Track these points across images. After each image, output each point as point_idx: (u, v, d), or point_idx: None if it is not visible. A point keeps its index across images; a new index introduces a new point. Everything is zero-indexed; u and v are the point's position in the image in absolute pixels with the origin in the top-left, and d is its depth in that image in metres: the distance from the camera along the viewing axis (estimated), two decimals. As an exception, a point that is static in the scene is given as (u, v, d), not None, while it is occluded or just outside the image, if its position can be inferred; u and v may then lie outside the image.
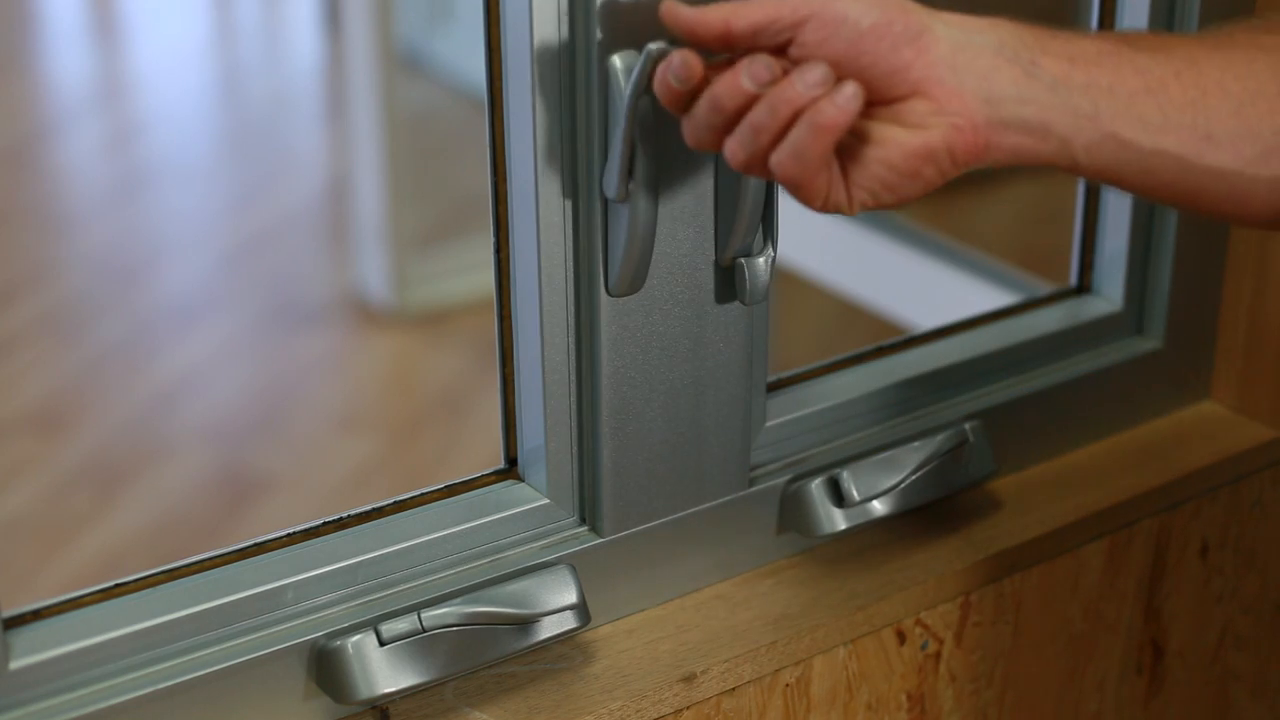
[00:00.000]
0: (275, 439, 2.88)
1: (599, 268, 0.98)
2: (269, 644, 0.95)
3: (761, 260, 1.01)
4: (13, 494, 2.66)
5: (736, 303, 1.03)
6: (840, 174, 0.84)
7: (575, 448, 1.03)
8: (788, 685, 1.07)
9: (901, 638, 1.11)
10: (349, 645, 0.95)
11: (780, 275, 1.87)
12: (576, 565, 1.01)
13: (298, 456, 2.82)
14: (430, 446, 2.96)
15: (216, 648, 0.94)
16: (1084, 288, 1.28)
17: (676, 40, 0.87)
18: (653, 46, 0.87)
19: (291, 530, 0.99)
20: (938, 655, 1.14)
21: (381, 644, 0.95)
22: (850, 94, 0.81)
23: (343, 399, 3.09)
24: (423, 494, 1.03)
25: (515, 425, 1.05)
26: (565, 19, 0.94)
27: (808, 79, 0.81)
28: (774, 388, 1.13)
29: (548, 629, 1.00)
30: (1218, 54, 0.87)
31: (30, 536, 2.60)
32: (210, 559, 0.97)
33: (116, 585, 0.94)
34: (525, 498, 1.04)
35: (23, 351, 3.09)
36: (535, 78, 0.95)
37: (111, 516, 2.66)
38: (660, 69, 0.85)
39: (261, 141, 4.23)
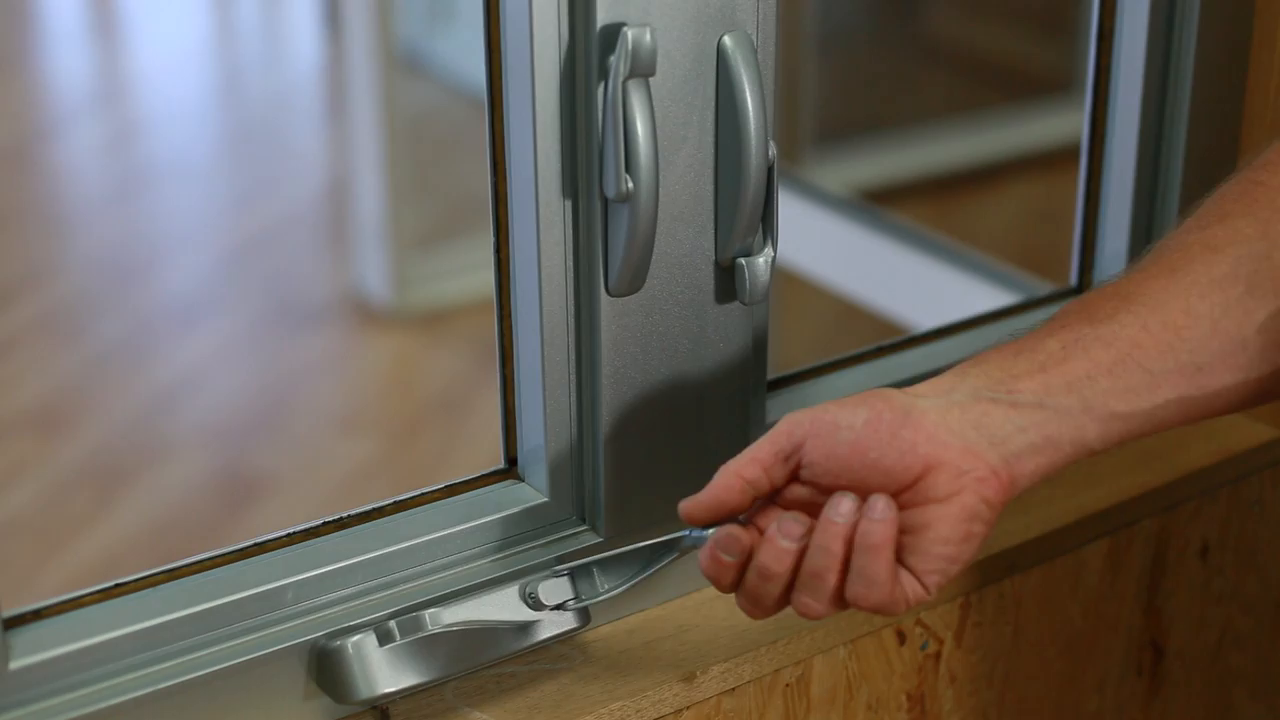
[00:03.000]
0: (275, 439, 2.88)
1: (599, 268, 0.98)
2: (269, 644, 0.94)
3: (761, 260, 1.01)
4: (13, 494, 2.66)
5: (736, 303, 1.03)
6: (907, 572, 0.87)
7: (575, 448, 1.03)
8: (788, 685, 1.07)
9: (901, 638, 1.11)
10: (349, 645, 0.95)
11: (780, 275, 1.87)
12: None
13: (298, 457, 2.82)
14: (430, 446, 2.96)
15: (216, 648, 0.94)
16: (1084, 287, 1.28)
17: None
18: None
19: (291, 530, 0.99)
20: (938, 655, 1.14)
21: (381, 644, 0.95)
22: (884, 505, 0.85)
23: (343, 399, 3.09)
24: (422, 494, 1.03)
25: (515, 425, 1.05)
26: (565, 19, 0.94)
27: (841, 510, 0.85)
28: (774, 387, 1.13)
29: (548, 629, 1.00)
30: (1175, 279, 0.88)
31: (30, 536, 2.60)
32: (210, 559, 0.97)
33: (116, 585, 0.94)
34: (525, 497, 1.04)
35: (23, 351, 3.09)
36: (534, 77, 0.95)
37: (111, 516, 2.66)
38: (708, 552, 0.88)
39: (261, 142, 4.23)
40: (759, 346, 1.06)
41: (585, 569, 0.98)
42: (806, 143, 3.31)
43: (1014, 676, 1.19)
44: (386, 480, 2.86)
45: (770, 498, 0.89)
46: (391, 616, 0.97)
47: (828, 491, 0.87)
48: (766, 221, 1.01)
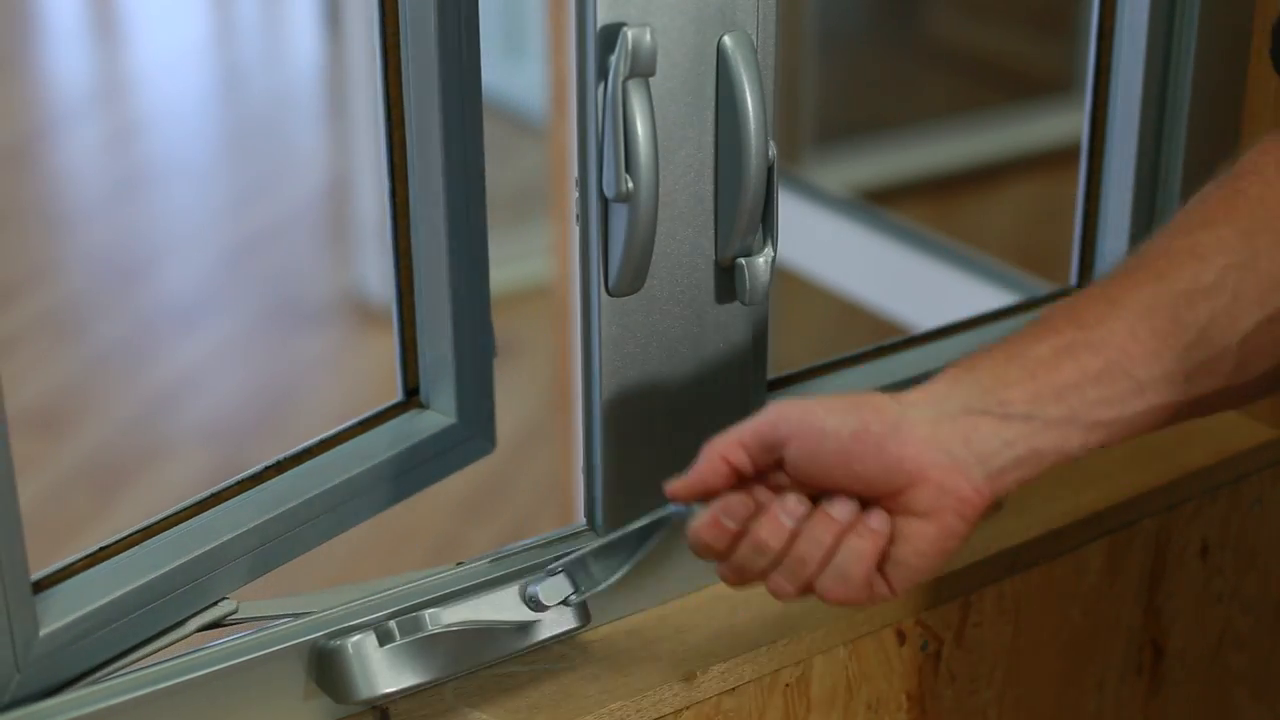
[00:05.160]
0: (275, 438, 2.88)
1: (599, 268, 0.98)
2: (269, 644, 0.94)
3: (761, 260, 1.01)
4: (13, 493, 2.65)
5: (736, 303, 1.03)
6: (878, 574, 0.88)
7: (483, 376, 1.07)
8: (788, 685, 1.07)
9: (901, 638, 1.11)
10: (349, 645, 0.95)
11: (780, 275, 1.87)
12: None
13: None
14: (430, 446, 2.95)
15: (217, 647, 0.94)
16: (1084, 287, 1.28)
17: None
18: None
19: (207, 493, 1.00)
20: (938, 655, 1.14)
21: (381, 644, 0.95)
22: (882, 518, 0.86)
23: (342, 398, 3.09)
24: (324, 440, 1.05)
25: (414, 354, 1.07)
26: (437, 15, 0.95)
27: (840, 510, 0.86)
28: (774, 387, 1.13)
29: (548, 629, 1.00)
30: (1162, 286, 0.88)
31: (30, 536, 2.60)
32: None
33: (127, 536, 0.96)
34: (433, 424, 1.06)
35: (23, 351, 3.09)
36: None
37: (111, 516, 2.66)
38: (710, 518, 0.88)
39: (261, 141, 4.23)
40: (759, 346, 1.06)
41: (581, 565, 0.98)
42: (806, 143, 3.31)
43: (1014, 676, 1.19)
44: (386, 480, 2.86)
45: (756, 477, 0.89)
46: (391, 616, 0.96)
47: (809, 487, 0.87)
48: (766, 221, 1.01)
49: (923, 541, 0.86)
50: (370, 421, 1.07)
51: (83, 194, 3.90)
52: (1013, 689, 1.19)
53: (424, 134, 1.02)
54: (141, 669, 0.92)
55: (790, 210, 1.99)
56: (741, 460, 0.88)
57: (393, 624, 0.96)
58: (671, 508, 0.91)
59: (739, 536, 0.88)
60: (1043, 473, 0.88)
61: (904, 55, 3.72)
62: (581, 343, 1.01)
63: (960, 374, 0.88)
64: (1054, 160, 3.33)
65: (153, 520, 0.97)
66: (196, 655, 0.93)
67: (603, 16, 0.93)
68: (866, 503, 0.87)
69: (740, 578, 0.89)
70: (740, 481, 0.89)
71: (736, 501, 0.88)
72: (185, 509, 0.99)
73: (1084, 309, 0.89)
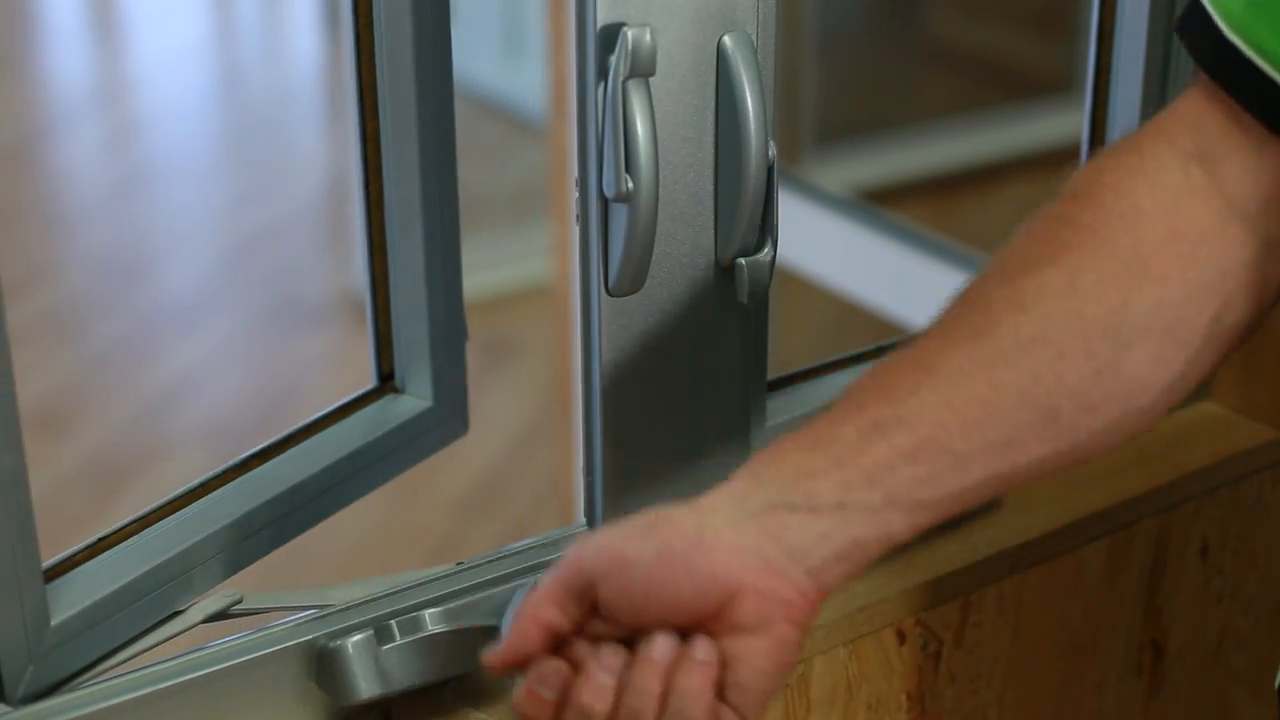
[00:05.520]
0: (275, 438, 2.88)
1: (599, 268, 0.98)
2: (269, 644, 0.95)
3: (761, 260, 1.01)
4: (13, 493, 2.65)
5: (736, 303, 1.03)
6: (726, 707, 0.80)
7: (455, 357, 1.07)
8: (788, 685, 1.07)
9: (901, 638, 1.11)
10: (349, 645, 0.95)
11: (780, 275, 1.88)
12: (576, 565, 1.01)
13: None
14: (430, 446, 2.95)
15: (217, 647, 0.94)
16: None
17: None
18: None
19: (194, 484, 1.00)
20: (938, 655, 1.14)
21: (381, 644, 0.95)
22: (705, 647, 0.79)
23: (342, 398, 3.09)
24: (302, 428, 1.06)
25: (390, 338, 1.08)
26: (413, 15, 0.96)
27: (658, 649, 0.79)
28: (774, 387, 1.13)
29: (548, 629, 1.00)
30: (978, 345, 0.80)
31: (30, 536, 2.60)
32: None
33: (131, 523, 0.96)
34: (409, 408, 1.07)
35: (23, 351, 3.09)
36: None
37: (112, 516, 2.66)
38: (524, 693, 0.81)
39: (261, 141, 4.23)
40: (759, 346, 1.06)
41: None
42: (806, 143, 3.31)
43: (1014, 676, 1.19)
44: (386, 480, 2.86)
45: (575, 632, 0.81)
46: (391, 616, 0.97)
47: (629, 628, 0.80)
48: (766, 221, 1.01)
49: (758, 657, 0.79)
50: (347, 408, 1.08)
51: (83, 194, 3.90)
52: (1013, 689, 1.19)
53: (398, 121, 1.02)
54: (141, 669, 0.92)
55: (790, 210, 1.98)
56: (554, 618, 0.80)
57: (393, 624, 0.96)
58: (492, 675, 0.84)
59: (561, 705, 0.80)
60: (874, 560, 0.81)
61: (904, 55, 3.71)
62: (581, 343, 1.01)
63: (761, 468, 0.81)
64: (1054, 160, 3.33)
65: (148, 510, 0.98)
66: (196, 655, 0.93)
67: (603, 16, 0.93)
68: (690, 633, 0.79)
69: None
70: (560, 640, 0.81)
71: (549, 669, 0.80)
72: (177, 498, 0.99)
73: (895, 380, 0.81)
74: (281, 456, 1.03)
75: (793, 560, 0.79)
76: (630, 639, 0.80)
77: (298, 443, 1.04)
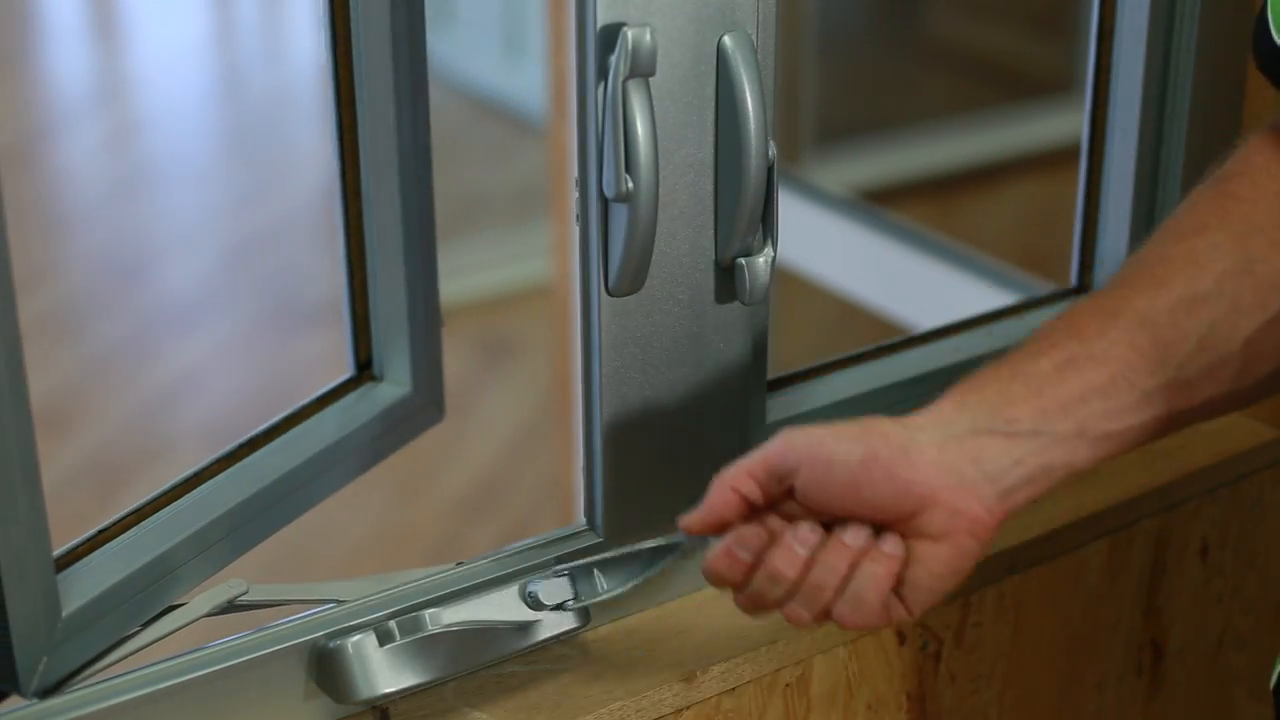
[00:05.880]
0: (275, 438, 2.88)
1: (599, 268, 0.98)
2: (269, 644, 0.95)
3: (761, 260, 1.01)
4: (13, 493, 2.65)
5: (736, 303, 1.03)
6: (894, 597, 0.88)
7: (432, 346, 1.08)
8: (788, 685, 1.07)
9: (901, 638, 1.11)
10: (349, 645, 0.95)
11: (780, 275, 1.88)
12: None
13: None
14: (429, 446, 2.96)
15: (216, 647, 0.94)
16: (1084, 287, 1.28)
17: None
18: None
19: (181, 479, 1.00)
20: (938, 655, 1.14)
21: (381, 644, 0.95)
22: (895, 542, 0.86)
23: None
24: (290, 416, 1.06)
25: (367, 326, 1.08)
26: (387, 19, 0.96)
27: (854, 535, 0.86)
28: (774, 387, 1.13)
29: (548, 629, 1.00)
30: (1160, 295, 0.88)
31: (30, 536, 2.59)
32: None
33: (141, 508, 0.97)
34: (388, 395, 1.08)
35: (23, 351, 3.09)
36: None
37: (112, 515, 2.66)
38: (724, 550, 0.88)
39: (261, 141, 4.23)
40: (759, 346, 1.06)
41: (586, 570, 0.98)
42: (806, 143, 3.31)
43: (1014, 676, 1.19)
44: (385, 479, 2.86)
45: (768, 507, 0.89)
46: (391, 616, 0.97)
47: (821, 515, 0.87)
48: (766, 221, 1.01)
49: (937, 563, 0.86)
50: (326, 398, 1.08)
51: (83, 194, 3.90)
52: (1013, 689, 1.19)
53: (375, 111, 1.03)
54: (141, 669, 0.92)
55: (790, 210, 1.99)
56: (751, 490, 0.88)
57: (393, 624, 0.96)
58: (684, 536, 0.91)
59: (754, 567, 0.88)
60: (1053, 487, 0.88)
61: (904, 55, 3.71)
62: (581, 343, 1.01)
63: (965, 394, 0.88)
64: (1054, 160, 3.33)
65: (145, 501, 0.98)
66: (196, 655, 0.93)
67: (603, 16, 0.93)
68: (879, 528, 0.87)
69: (757, 606, 0.89)
70: (752, 512, 0.89)
71: (750, 533, 0.88)
72: (171, 489, 1.00)
73: (1084, 322, 0.89)
74: (269, 446, 1.04)
75: (988, 481, 0.86)
76: (824, 523, 0.87)
77: (283, 432, 1.05)
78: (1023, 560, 1.15)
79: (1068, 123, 3.39)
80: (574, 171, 0.98)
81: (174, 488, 0.99)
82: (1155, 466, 1.22)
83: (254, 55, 4.82)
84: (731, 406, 1.06)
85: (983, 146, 3.51)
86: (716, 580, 0.89)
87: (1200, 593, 1.28)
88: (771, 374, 1.11)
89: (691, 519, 0.89)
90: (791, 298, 2.60)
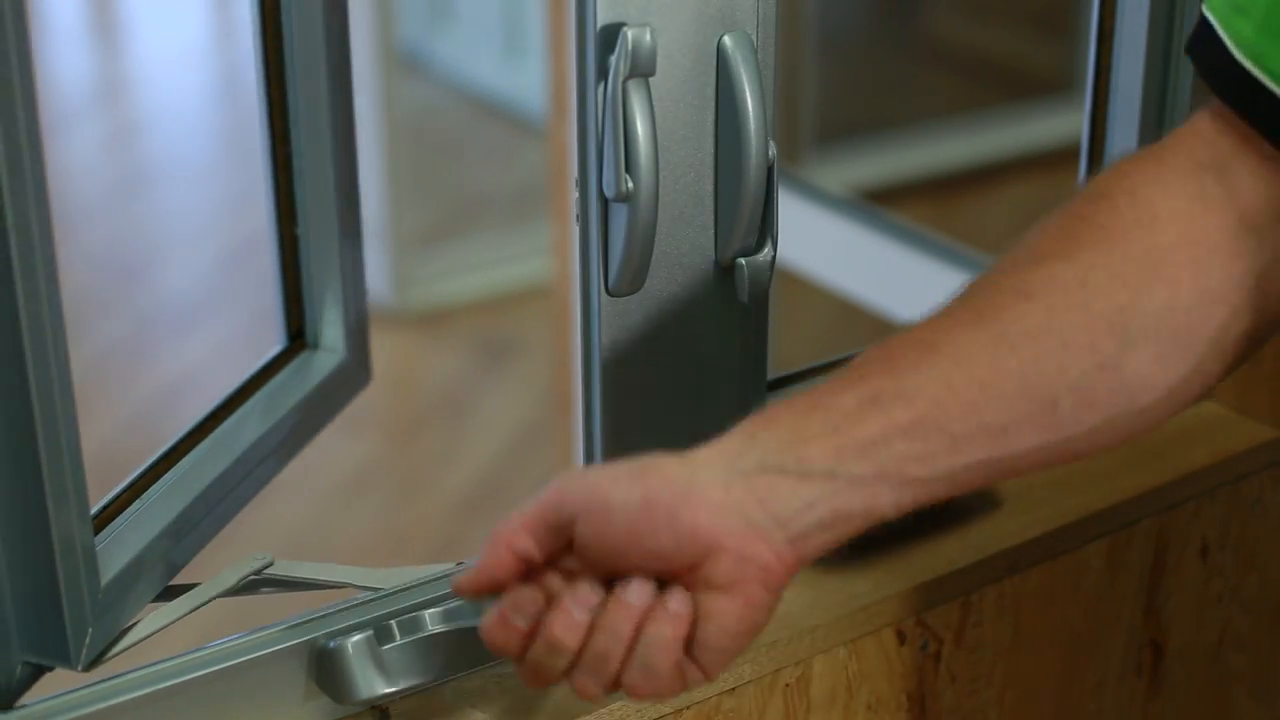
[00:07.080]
0: (275, 438, 2.88)
1: (599, 268, 0.98)
2: (269, 644, 0.95)
3: (761, 260, 1.01)
4: (13, 493, 2.65)
5: (737, 303, 1.03)
6: (689, 660, 0.80)
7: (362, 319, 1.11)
8: (788, 685, 1.07)
9: (901, 638, 1.12)
10: (349, 645, 0.95)
11: (780, 275, 1.88)
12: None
13: (297, 456, 2.83)
14: (429, 446, 2.96)
15: (216, 647, 0.94)
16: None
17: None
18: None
19: (140, 471, 1.04)
20: (938, 655, 1.14)
21: (381, 644, 0.95)
22: (680, 599, 0.79)
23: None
24: (232, 396, 1.10)
25: (300, 295, 1.10)
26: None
27: (634, 594, 0.79)
28: (774, 387, 1.13)
29: (548, 629, 1.00)
30: (983, 329, 0.80)
31: (30, 536, 2.59)
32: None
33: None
34: (325, 364, 1.11)
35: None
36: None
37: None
38: (495, 618, 0.80)
39: (261, 141, 4.23)
40: (759, 346, 1.06)
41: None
42: (806, 143, 3.31)
43: (1014, 676, 1.19)
44: (386, 479, 2.86)
45: (548, 563, 0.81)
46: (391, 616, 0.96)
47: (603, 569, 0.80)
48: (766, 221, 1.01)
49: (728, 618, 0.79)
50: (268, 370, 1.11)
51: (83, 194, 3.90)
52: (1013, 689, 1.19)
53: (308, 85, 1.04)
54: (141, 668, 0.92)
55: (790, 210, 1.99)
56: (528, 547, 0.80)
57: (393, 624, 0.96)
58: (460, 601, 0.86)
59: (531, 634, 0.80)
60: (855, 534, 0.80)
61: (904, 55, 3.72)
62: (581, 343, 1.01)
63: (757, 427, 0.81)
64: (1054, 160, 3.33)
65: (143, 468, 1.03)
66: (196, 655, 0.93)
67: (603, 16, 0.93)
68: (665, 581, 0.79)
69: (539, 678, 0.81)
70: (530, 570, 0.81)
71: (525, 596, 0.80)
72: (154, 465, 1.04)
73: (900, 354, 0.81)
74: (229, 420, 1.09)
75: (776, 525, 0.79)
76: (604, 580, 0.80)
77: (233, 410, 1.10)
78: (1023, 560, 1.15)
79: (1067, 123, 3.39)
80: (574, 171, 0.98)
81: (164, 457, 1.04)
82: (1155, 466, 1.22)
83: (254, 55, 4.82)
84: (731, 406, 1.06)
85: (982, 146, 3.51)
86: (494, 650, 0.81)
87: (1200, 593, 1.28)
88: (771, 374, 1.11)
89: (463, 580, 0.81)
90: (791, 298, 2.60)
